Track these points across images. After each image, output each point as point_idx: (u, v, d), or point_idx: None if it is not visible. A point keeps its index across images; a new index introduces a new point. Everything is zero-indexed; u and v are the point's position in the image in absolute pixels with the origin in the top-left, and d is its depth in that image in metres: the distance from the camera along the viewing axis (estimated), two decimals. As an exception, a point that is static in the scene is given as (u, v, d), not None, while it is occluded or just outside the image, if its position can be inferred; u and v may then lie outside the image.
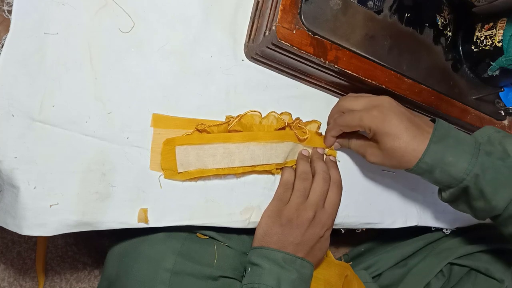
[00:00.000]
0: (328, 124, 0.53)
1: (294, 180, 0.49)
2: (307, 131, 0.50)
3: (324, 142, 0.52)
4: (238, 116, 0.47)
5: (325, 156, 0.52)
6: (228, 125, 0.46)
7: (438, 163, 0.43)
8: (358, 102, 0.46)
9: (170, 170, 0.43)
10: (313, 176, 0.49)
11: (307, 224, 0.46)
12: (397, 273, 0.60)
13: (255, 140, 0.46)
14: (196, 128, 0.45)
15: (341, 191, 0.50)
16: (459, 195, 0.46)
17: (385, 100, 0.45)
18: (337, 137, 0.51)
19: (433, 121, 0.46)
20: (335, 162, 0.52)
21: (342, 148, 0.54)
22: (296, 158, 0.50)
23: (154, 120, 0.43)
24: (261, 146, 0.46)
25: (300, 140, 0.50)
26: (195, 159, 0.44)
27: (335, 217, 0.49)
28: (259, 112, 0.48)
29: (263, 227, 0.47)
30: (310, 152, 0.51)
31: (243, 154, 0.46)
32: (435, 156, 0.43)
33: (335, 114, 0.50)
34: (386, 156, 0.45)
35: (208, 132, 0.45)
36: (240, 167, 0.46)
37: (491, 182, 0.42)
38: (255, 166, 0.47)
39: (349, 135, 0.51)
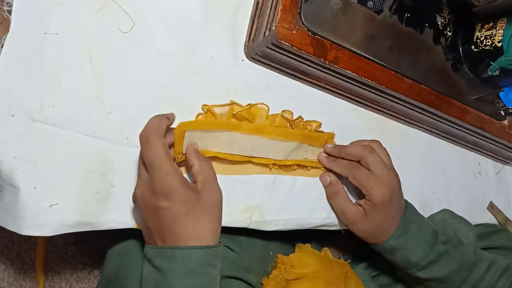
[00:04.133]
0: (342, 152, 0.50)
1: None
2: (312, 127, 0.50)
3: (325, 162, 0.51)
4: (248, 105, 0.47)
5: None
6: (233, 109, 0.46)
7: (400, 247, 0.48)
8: (380, 168, 0.47)
9: (180, 154, 0.43)
10: None
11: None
12: (396, 273, 0.60)
13: (260, 134, 0.46)
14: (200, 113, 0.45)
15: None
16: (413, 277, 0.51)
17: (397, 182, 0.49)
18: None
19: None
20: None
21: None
22: (299, 158, 0.50)
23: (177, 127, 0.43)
24: (264, 141, 0.47)
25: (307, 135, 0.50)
26: (200, 141, 0.44)
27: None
28: (267, 107, 0.48)
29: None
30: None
31: (245, 144, 0.46)
32: (398, 241, 0.48)
33: (353, 155, 0.49)
34: (368, 224, 0.48)
35: (212, 114, 0.45)
36: (237, 155, 0.46)
37: (446, 267, 0.49)
38: (253, 157, 0.47)
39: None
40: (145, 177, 0.37)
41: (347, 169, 0.48)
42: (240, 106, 0.47)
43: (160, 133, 0.37)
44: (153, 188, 0.36)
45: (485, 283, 0.51)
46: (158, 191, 0.35)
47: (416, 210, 0.53)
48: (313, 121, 0.51)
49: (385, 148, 0.51)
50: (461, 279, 0.50)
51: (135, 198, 0.38)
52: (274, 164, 0.48)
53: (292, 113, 0.50)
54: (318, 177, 0.52)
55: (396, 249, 0.49)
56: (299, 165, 0.51)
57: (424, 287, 0.52)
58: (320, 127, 0.52)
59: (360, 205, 0.49)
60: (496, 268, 0.52)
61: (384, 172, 0.47)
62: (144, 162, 0.37)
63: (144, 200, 0.37)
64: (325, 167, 0.52)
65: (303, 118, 0.51)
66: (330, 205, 0.52)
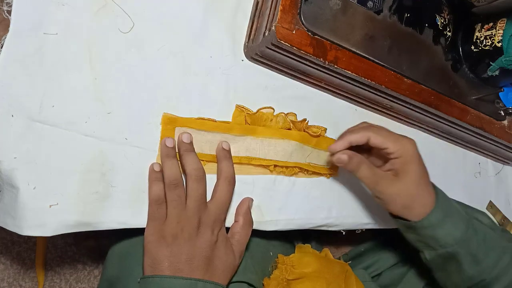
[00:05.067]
0: (351, 130, 0.47)
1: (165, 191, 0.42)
2: (320, 130, 0.50)
3: (334, 144, 0.45)
4: (258, 110, 0.48)
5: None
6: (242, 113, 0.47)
7: (446, 219, 0.45)
8: (395, 134, 0.46)
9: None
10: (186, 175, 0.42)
11: (195, 233, 0.41)
12: (397, 273, 0.60)
13: (253, 134, 0.47)
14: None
15: (233, 187, 0.44)
16: (445, 259, 0.47)
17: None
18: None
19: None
20: (228, 151, 0.45)
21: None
22: (301, 161, 0.50)
23: (164, 122, 0.43)
24: (258, 141, 0.47)
25: (313, 137, 0.50)
26: (195, 145, 0.44)
27: (223, 214, 0.43)
28: (273, 109, 0.48)
29: (149, 256, 0.41)
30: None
31: (239, 145, 0.46)
32: (438, 217, 0.44)
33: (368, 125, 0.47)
34: (404, 185, 0.44)
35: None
36: (236, 156, 0.46)
37: (482, 246, 0.46)
38: (251, 159, 0.47)
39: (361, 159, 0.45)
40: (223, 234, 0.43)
41: (366, 130, 0.45)
42: (248, 110, 0.47)
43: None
44: (211, 224, 0.42)
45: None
46: (214, 225, 0.42)
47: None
48: (318, 126, 0.51)
49: None
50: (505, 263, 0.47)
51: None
52: (275, 166, 0.48)
53: (296, 115, 0.50)
54: (318, 177, 0.52)
55: (441, 221, 0.44)
56: (301, 169, 0.50)
57: (446, 273, 0.49)
58: (325, 132, 0.52)
59: (388, 170, 0.46)
60: None
61: (399, 135, 0.45)
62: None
63: (196, 237, 0.41)
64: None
65: (307, 122, 0.51)
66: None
